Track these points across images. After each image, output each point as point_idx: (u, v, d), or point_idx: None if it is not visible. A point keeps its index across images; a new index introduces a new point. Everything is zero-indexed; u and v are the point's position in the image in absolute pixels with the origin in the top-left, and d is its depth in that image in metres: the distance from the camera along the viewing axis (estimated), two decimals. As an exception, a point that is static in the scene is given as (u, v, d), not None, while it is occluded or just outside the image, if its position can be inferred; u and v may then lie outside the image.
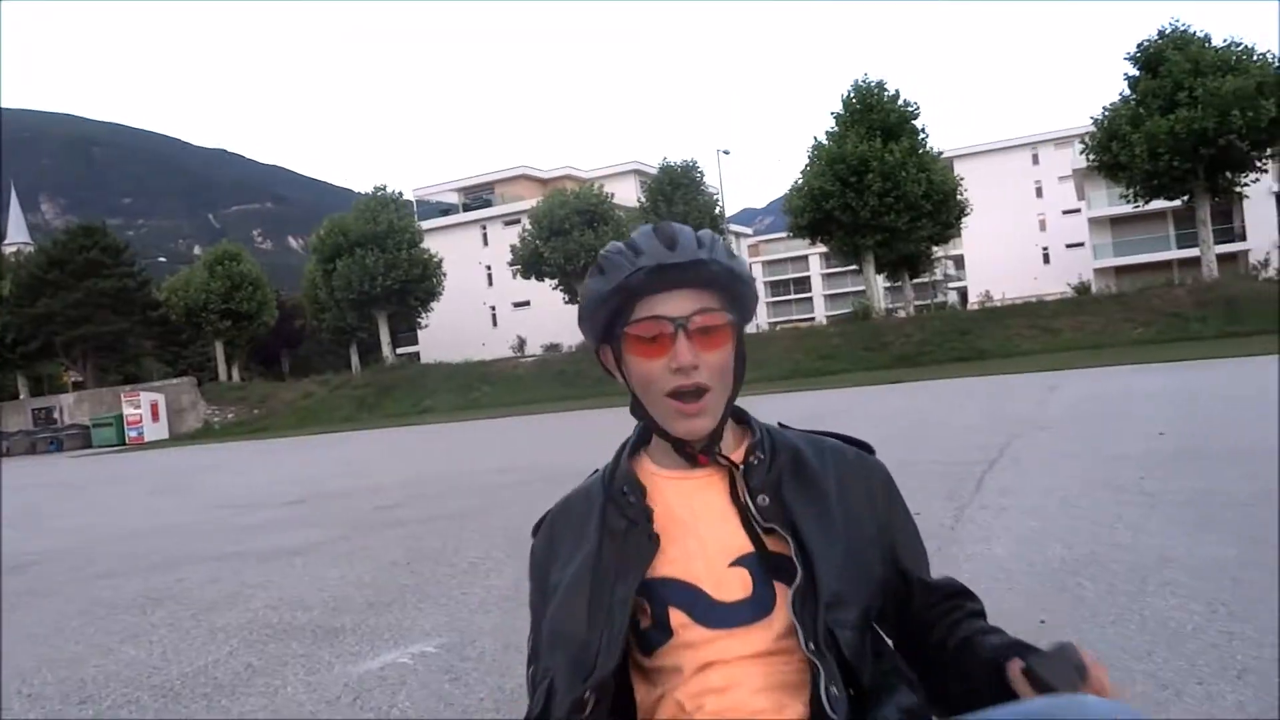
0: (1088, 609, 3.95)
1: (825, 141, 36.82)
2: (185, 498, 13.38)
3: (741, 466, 1.21)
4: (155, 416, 39.27)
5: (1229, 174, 31.48)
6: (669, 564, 1.17)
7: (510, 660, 3.97)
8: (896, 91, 37.41)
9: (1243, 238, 45.93)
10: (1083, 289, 40.25)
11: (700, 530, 1.19)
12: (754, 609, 1.14)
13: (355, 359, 46.57)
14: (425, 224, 50.69)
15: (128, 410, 38.53)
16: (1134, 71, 32.68)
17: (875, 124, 36.14)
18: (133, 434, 38.08)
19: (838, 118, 37.48)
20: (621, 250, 1.18)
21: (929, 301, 67.89)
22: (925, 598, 1.22)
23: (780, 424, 1.35)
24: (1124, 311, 30.59)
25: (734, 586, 1.16)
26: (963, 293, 69.37)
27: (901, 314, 40.93)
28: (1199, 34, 31.88)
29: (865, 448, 1.33)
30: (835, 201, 35.09)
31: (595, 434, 17.46)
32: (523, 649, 4.12)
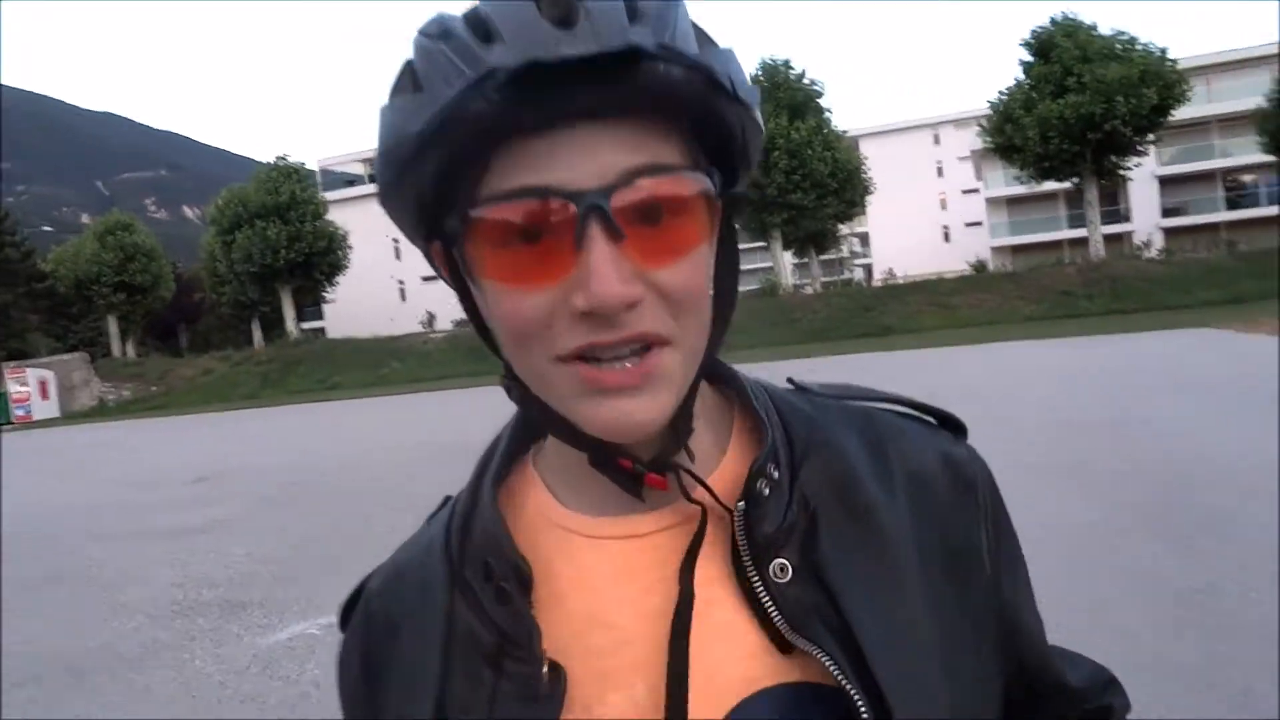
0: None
1: (734, 119, 37.25)
2: (82, 477, 12.99)
3: (741, 504, 0.54)
4: (44, 394, 37.56)
5: (1114, 158, 33.02)
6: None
7: (420, 629, 4.10)
8: (803, 71, 38.08)
9: (1127, 219, 48.22)
10: (980, 267, 41.77)
11: (657, 649, 0.53)
12: None
13: (258, 334, 45.29)
14: (330, 195, 49.47)
15: (13, 388, 36.74)
16: (1028, 57, 33.94)
17: (782, 102, 36.71)
18: (19, 412, 36.37)
19: (747, 95, 37.93)
20: (448, 31, 0.49)
21: (835, 278, 69.46)
22: (1061, 708, 0.67)
23: (792, 381, 0.66)
24: (1018, 289, 31.91)
25: None
26: (868, 269, 71.10)
27: (809, 290, 41.84)
28: (1087, 23, 33.30)
29: (953, 424, 0.66)
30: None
31: (505, 410, 17.49)
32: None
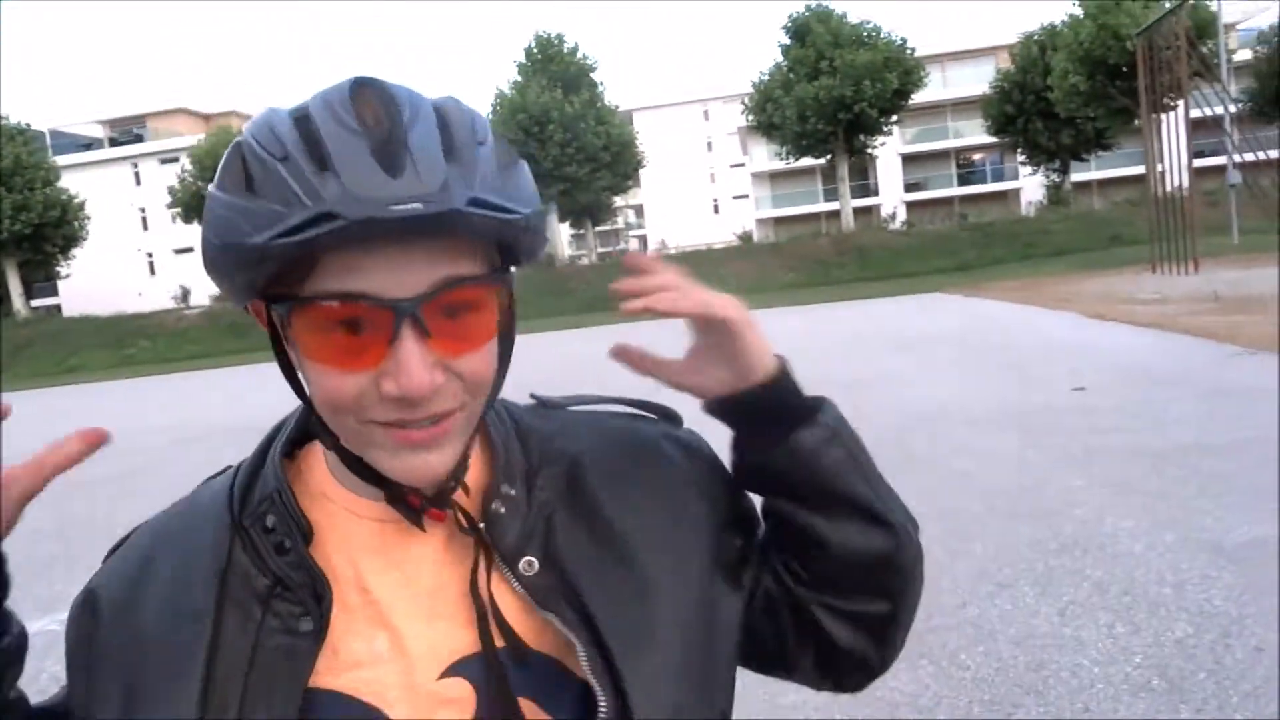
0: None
1: (508, 91, 37.10)
2: None
3: (482, 525, 0.66)
4: None
5: (863, 137, 35.76)
6: (338, 669, 0.63)
7: (171, 614, 4.00)
8: (576, 45, 38.42)
9: (876, 193, 52.32)
10: (746, 238, 43.98)
11: (393, 616, 0.65)
12: None
13: (-21, 314, 40.61)
14: (62, 159, 44.78)
15: None
16: (786, 40, 36.00)
17: (556, 75, 36.92)
18: None
19: (519, 67, 37.85)
20: (288, 156, 0.55)
21: (612, 249, 70.73)
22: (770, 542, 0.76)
23: (535, 397, 0.79)
24: (779, 259, 33.98)
25: (444, 711, 0.64)
26: (643, 240, 72.93)
27: (585, 261, 42.47)
28: (839, 12, 35.75)
29: (667, 416, 0.81)
30: (518, 151, 35.21)
31: (268, 386, 16.72)
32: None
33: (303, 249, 0.55)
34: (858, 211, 40.06)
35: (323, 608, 0.62)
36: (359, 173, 0.54)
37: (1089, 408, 6.68)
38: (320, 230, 0.54)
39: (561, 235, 42.02)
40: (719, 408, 0.72)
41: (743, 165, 59.56)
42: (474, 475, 0.68)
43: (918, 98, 36.74)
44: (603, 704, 0.62)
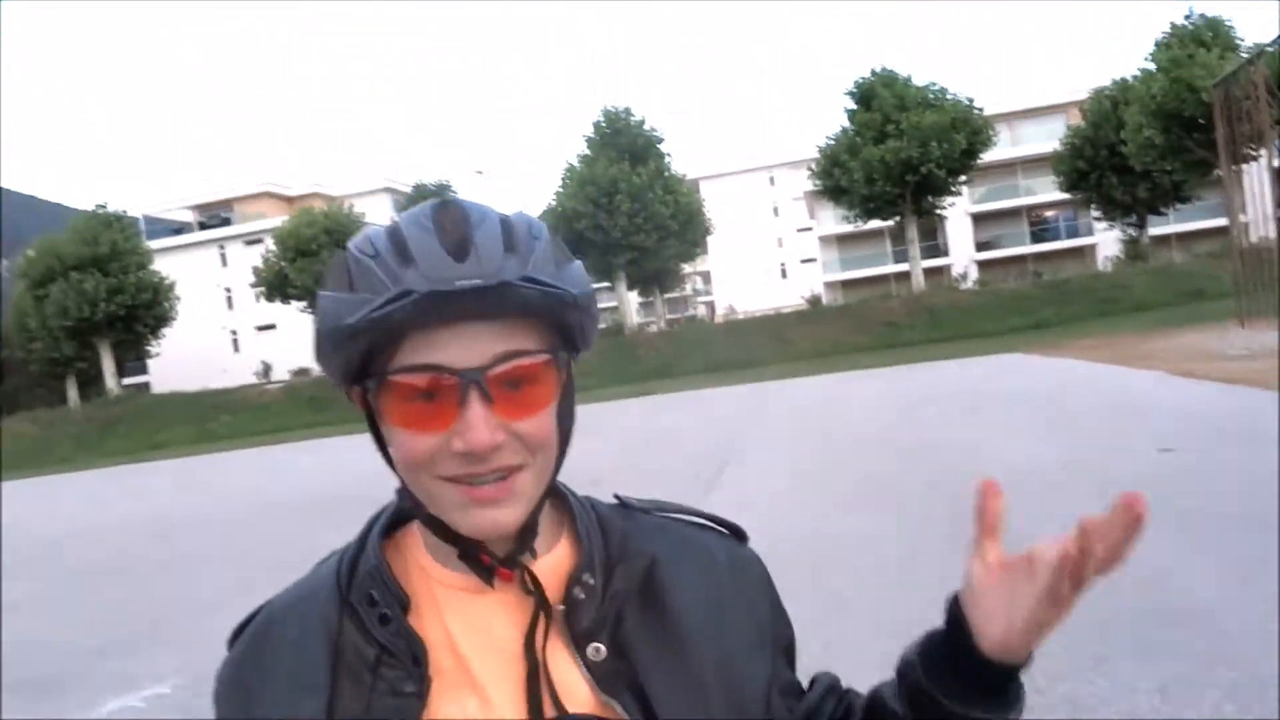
0: (779, 587, 4.56)
1: (576, 164, 37.98)
2: None
3: (562, 606, 0.74)
4: None
5: (931, 198, 35.58)
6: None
7: (249, 690, 4.03)
8: (643, 118, 39.32)
9: (945, 253, 51.79)
10: (814, 301, 43.81)
11: (482, 678, 0.73)
12: None
13: (73, 393, 42.32)
14: (155, 244, 46.99)
15: None
16: (852, 105, 36.26)
17: (624, 148, 37.70)
18: None
19: (588, 141, 38.78)
20: (378, 254, 0.69)
21: (680, 315, 71.03)
22: (811, 698, 0.84)
23: (619, 499, 0.87)
24: (848, 322, 33.74)
25: None
26: (711, 306, 73.19)
27: (654, 328, 42.71)
28: (904, 75, 35.92)
29: (736, 533, 0.88)
30: (587, 222, 36.25)
31: (346, 459, 17.05)
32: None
33: (386, 323, 0.67)
34: (928, 272, 39.64)
35: (421, 670, 0.71)
36: (432, 261, 0.67)
37: (1179, 469, 6.40)
38: (398, 304, 0.66)
39: (630, 303, 42.40)
40: (952, 646, 0.71)
41: (810, 229, 59.59)
42: (559, 560, 0.77)
43: (987, 156, 36.50)
44: None
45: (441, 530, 0.73)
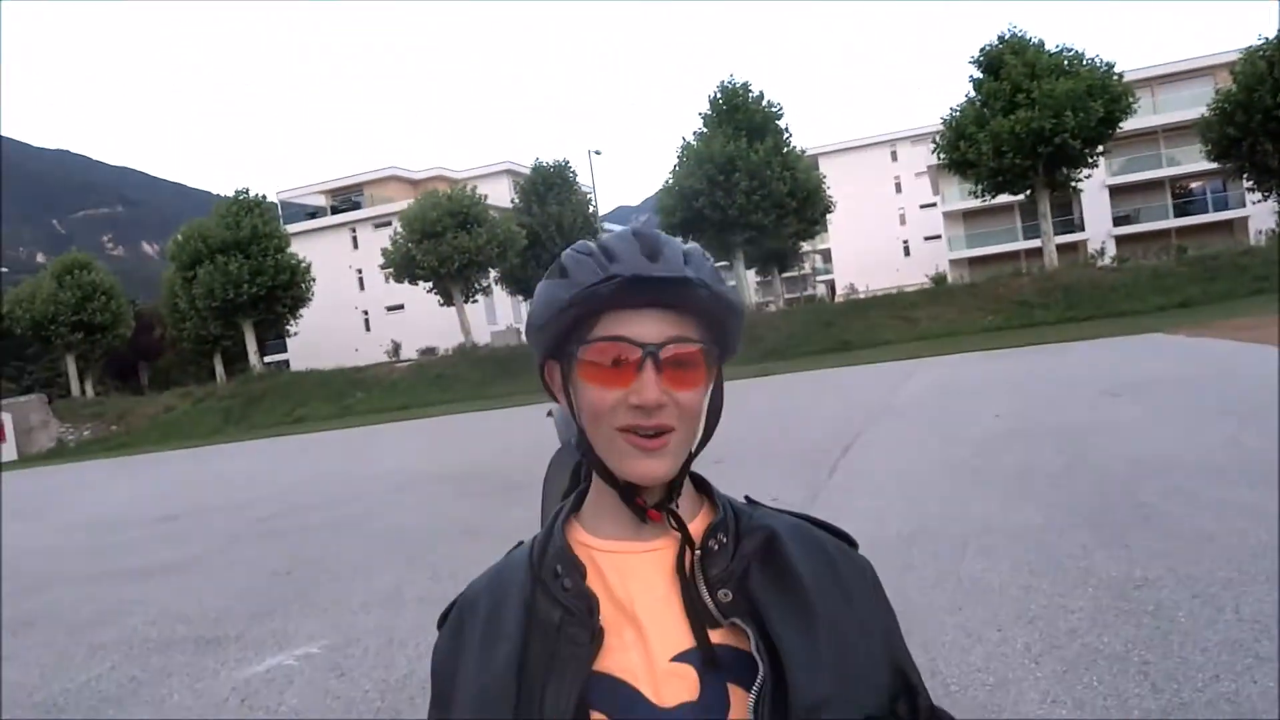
0: (914, 575, 4.46)
1: (693, 142, 37.75)
2: (47, 519, 12.88)
3: (699, 551, 0.94)
4: (1, 436, 36.97)
5: (1065, 170, 33.85)
6: (605, 657, 0.92)
7: (393, 654, 4.21)
8: (761, 92, 38.70)
9: (1081, 228, 49.29)
10: (939, 280, 42.42)
11: (638, 616, 0.93)
12: (699, 713, 0.89)
13: (220, 369, 44.86)
14: (291, 227, 49.23)
15: (-30, 431, 36.14)
16: (978, 74, 34.77)
17: (741, 124, 37.26)
18: (-24, 456, 35.75)
19: (705, 118, 38.48)
20: (592, 252, 0.95)
21: (799, 295, 70.08)
22: None
23: (748, 499, 1.07)
24: (975, 301, 32.53)
25: (676, 688, 0.90)
26: (830, 285, 71.91)
27: (772, 308, 42.27)
28: (1034, 40, 34.20)
29: (847, 540, 1.05)
30: (705, 200, 36.04)
31: (473, 438, 17.56)
32: (405, 644, 4.39)
33: (593, 299, 0.91)
34: (1061, 249, 37.86)
35: (594, 621, 0.91)
36: (632, 260, 0.91)
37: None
38: (606, 284, 0.90)
39: (748, 282, 42.08)
40: None
41: (934, 205, 57.77)
42: (698, 523, 0.97)
43: (1126, 125, 34.49)
44: (761, 673, 0.86)
45: (608, 476, 0.95)
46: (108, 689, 4.27)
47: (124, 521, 11.11)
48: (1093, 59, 33.11)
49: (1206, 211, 47.95)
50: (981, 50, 34.73)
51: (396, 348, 46.41)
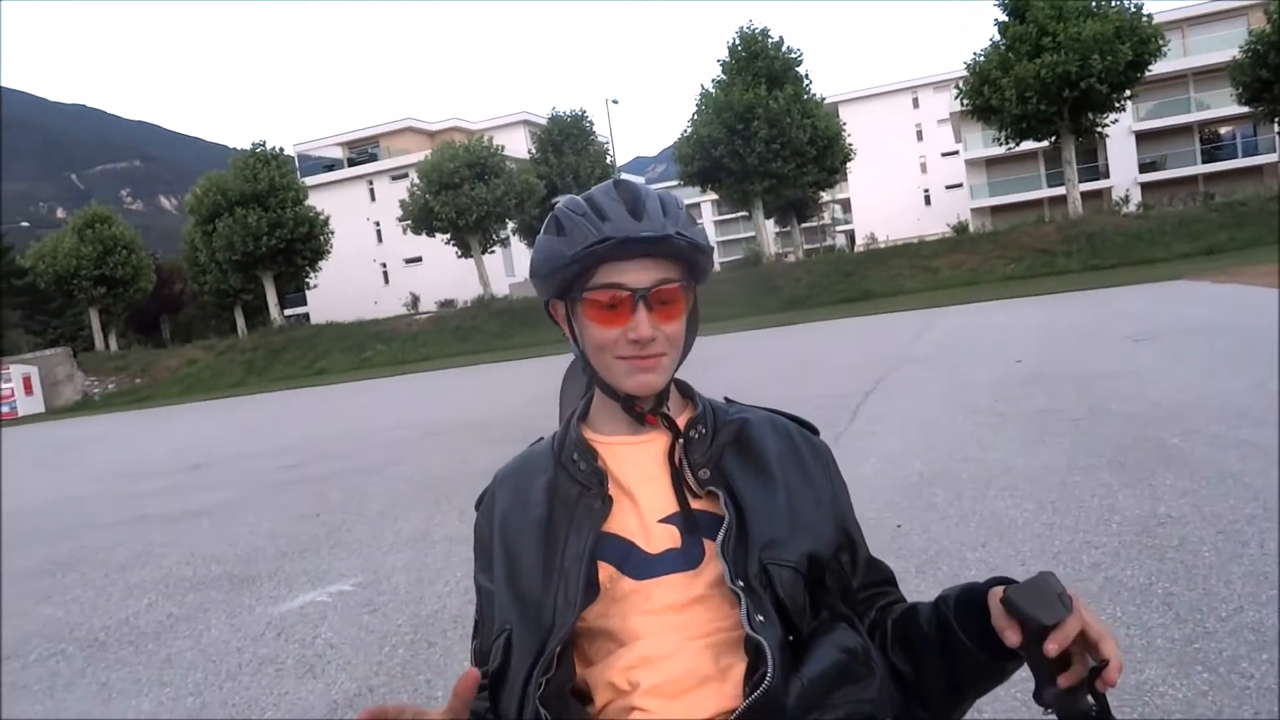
0: (937, 513, 4.49)
1: (712, 90, 37.26)
2: (76, 469, 13.11)
3: (680, 440, 1.19)
4: (28, 390, 37.49)
5: (1091, 115, 33.21)
6: (610, 520, 1.16)
7: (423, 591, 4.29)
8: (780, 38, 38.05)
9: (1106, 175, 48.50)
10: (960, 228, 41.98)
11: (634, 491, 1.17)
12: (683, 559, 1.12)
13: (241, 322, 45.21)
14: (309, 180, 49.17)
15: (-2, 385, 36.70)
16: (1003, 18, 33.99)
17: (760, 71, 36.72)
18: (4, 409, 36.33)
19: (724, 65, 37.93)
20: (585, 213, 1.13)
21: (818, 245, 69.54)
22: (870, 575, 1.22)
23: (726, 399, 1.32)
24: (997, 249, 32.19)
25: (662, 540, 1.13)
26: (850, 235, 71.30)
27: (791, 258, 42.00)
28: (1062, -20, 33.36)
29: (810, 428, 1.30)
30: (724, 149, 35.67)
31: (493, 388, 17.67)
32: (435, 581, 4.48)
33: (590, 257, 1.12)
34: (1086, 196, 37.33)
35: (604, 491, 1.17)
36: (620, 220, 1.12)
37: (1379, 400, 5.90)
38: (602, 245, 1.11)
39: (767, 232, 41.77)
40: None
41: (956, 153, 56.95)
42: (683, 419, 1.22)
43: (1155, 69, 33.71)
44: (726, 519, 1.11)
45: (610, 391, 1.20)
46: (146, 624, 4.39)
47: (153, 470, 11.30)
48: (1121, 0, 32.25)
49: (1236, 157, 47.05)
50: (1008, -8, 33.88)
51: (415, 300, 46.54)
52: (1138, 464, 4.89)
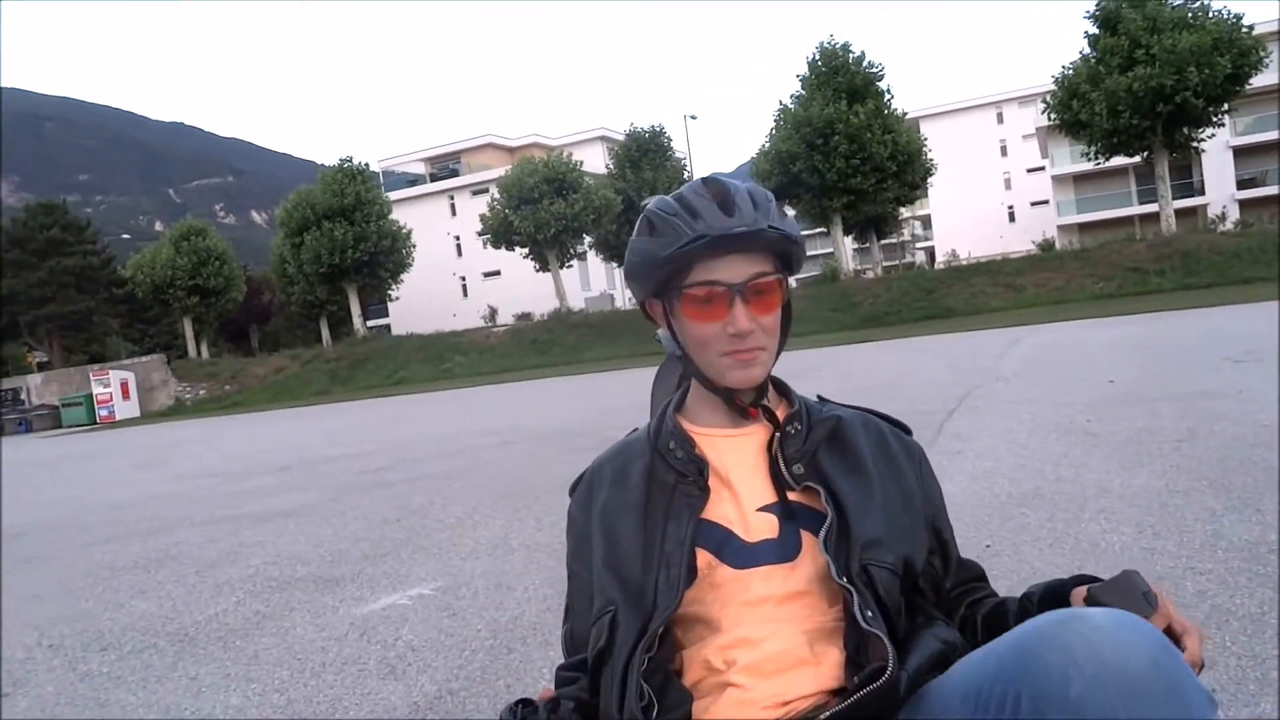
0: (1029, 535, 4.34)
1: (791, 105, 37.06)
2: (170, 468, 13.58)
3: (777, 434, 1.21)
4: (126, 395, 39.11)
5: (1186, 130, 32.10)
6: (708, 508, 1.18)
7: (502, 597, 4.31)
8: (862, 53, 37.69)
9: (1201, 192, 46.81)
10: (1047, 246, 40.88)
11: (732, 480, 1.19)
12: (780, 550, 1.14)
13: (326, 333, 46.45)
14: (392, 195, 50.39)
15: (97, 389, 38.34)
16: (1093, 30, 33.12)
17: (841, 86, 36.40)
18: (103, 413, 37.93)
19: (803, 80, 37.71)
20: (677, 212, 1.15)
21: (897, 262, 68.51)
22: (960, 574, 1.26)
23: (819, 397, 1.34)
24: (1086, 267, 31.26)
25: (760, 529, 1.15)
26: (930, 252, 70.06)
27: (870, 275, 41.43)
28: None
29: (903, 428, 1.32)
30: (802, 164, 35.42)
31: (569, 398, 17.78)
32: (514, 588, 4.48)
33: (685, 256, 1.14)
34: (1180, 213, 36.05)
35: (703, 480, 1.20)
36: (711, 217, 1.14)
37: None
38: (696, 243, 1.13)
39: (845, 248, 41.30)
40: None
41: (1042, 169, 55.59)
42: (780, 413, 1.25)
43: (1255, 82, 32.42)
44: (830, 516, 1.13)
45: (711, 385, 1.23)
46: (234, 621, 4.49)
47: (242, 472, 11.63)
48: (1219, 10, 31.16)
49: (1341, 174, 44.94)
50: (1098, 5, 33.04)
51: (493, 313, 47.23)
52: (1244, 487, 4.66)
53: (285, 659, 3.82)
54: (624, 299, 51.02)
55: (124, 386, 39.13)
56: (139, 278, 45.73)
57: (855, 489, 1.17)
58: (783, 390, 1.29)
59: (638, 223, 1.20)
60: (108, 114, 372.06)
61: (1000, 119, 65.69)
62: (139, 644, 4.30)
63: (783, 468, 1.19)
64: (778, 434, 1.21)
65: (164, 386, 41.12)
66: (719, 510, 1.18)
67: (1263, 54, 30.85)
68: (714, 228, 1.12)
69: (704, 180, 1.18)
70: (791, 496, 1.17)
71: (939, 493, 1.28)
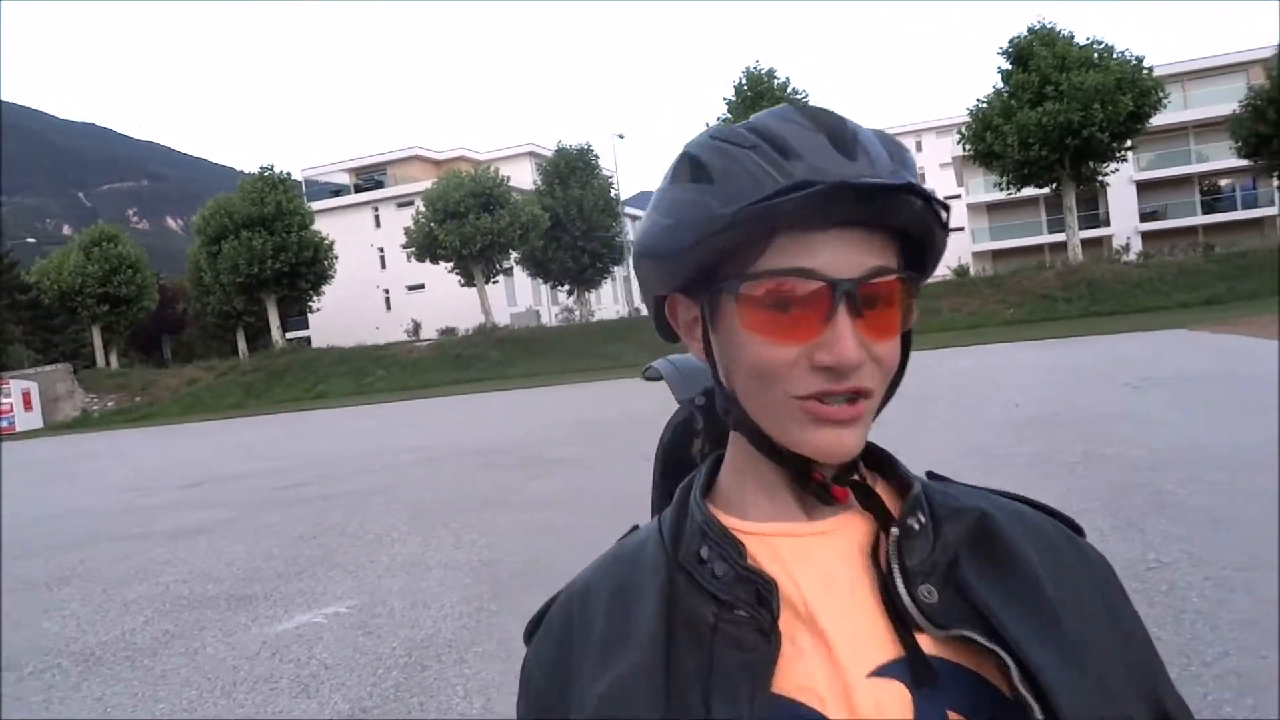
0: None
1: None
2: (76, 484, 13.12)
3: (896, 530, 0.67)
4: (28, 405, 37.49)
5: (1092, 164, 33.56)
6: (776, 674, 0.65)
7: (419, 616, 4.32)
8: (786, 79, 38.51)
9: (1107, 223, 48.87)
10: (961, 271, 42.18)
11: (819, 615, 0.66)
12: None
13: (242, 344, 45.21)
14: (315, 205, 49.43)
15: (-3, 399, 36.73)
16: (1006, 65, 34.48)
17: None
18: (3, 424, 36.33)
19: (729, 104, 38.37)
20: (756, 145, 0.64)
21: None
22: None
23: (931, 473, 0.79)
24: (998, 293, 32.38)
25: (876, 707, 0.63)
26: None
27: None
28: (1065, 32, 33.87)
29: (1074, 527, 0.76)
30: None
31: (493, 415, 17.70)
32: (430, 605, 4.50)
33: (768, 217, 0.60)
34: (1086, 243, 37.62)
35: (772, 609, 0.64)
36: (821, 156, 0.61)
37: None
38: (797, 195, 0.59)
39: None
40: None
41: (958, 197, 57.38)
42: (885, 497, 0.69)
43: (1156, 120, 34.16)
44: (1038, 714, 0.59)
45: (774, 449, 0.68)
46: (142, 641, 4.41)
47: (152, 487, 11.31)
48: (1123, 53, 32.79)
49: (1235, 209, 47.49)
50: (1011, 41, 34.43)
51: (417, 327, 46.67)
52: (1132, 508, 4.94)
53: (194, 678, 3.77)
54: (550, 315, 51.04)
55: (25, 396, 37.51)
56: (45, 284, 43.90)
57: (1040, 636, 0.64)
58: (880, 461, 0.74)
59: (672, 166, 0.69)
60: (13, 111, 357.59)
61: (919, 147, 67.63)
62: (41, 664, 4.20)
63: (901, 591, 0.65)
64: (888, 533, 0.68)
65: (69, 397, 39.53)
66: (798, 675, 0.64)
67: (1162, 94, 32.54)
68: (830, 171, 0.61)
69: (801, 106, 0.67)
70: (925, 645, 0.64)
71: (1143, 629, 0.72)
